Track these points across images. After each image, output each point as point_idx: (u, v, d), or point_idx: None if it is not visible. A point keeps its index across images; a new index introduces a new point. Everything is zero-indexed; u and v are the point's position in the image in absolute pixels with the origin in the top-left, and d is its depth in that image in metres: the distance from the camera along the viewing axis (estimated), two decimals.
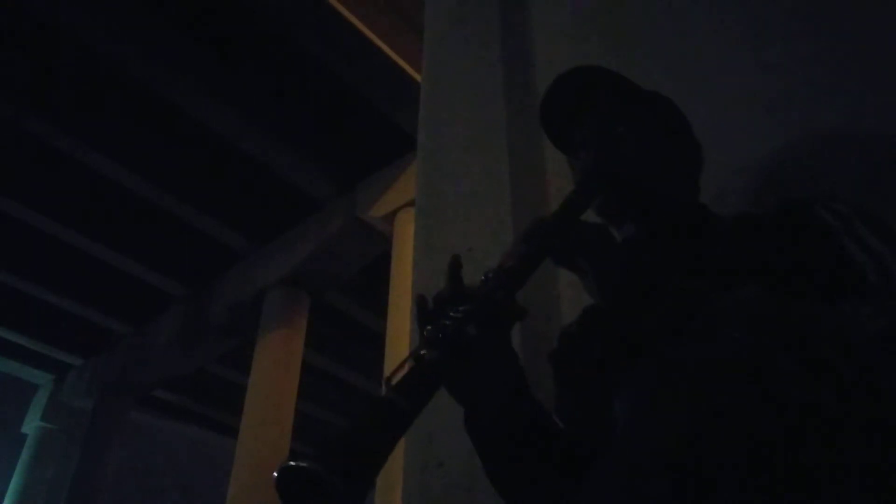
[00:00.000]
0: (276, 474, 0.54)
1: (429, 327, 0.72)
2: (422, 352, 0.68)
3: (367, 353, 9.36)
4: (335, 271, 8.09)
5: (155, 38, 6.35)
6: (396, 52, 6.47)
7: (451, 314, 0.71)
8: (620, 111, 0.95)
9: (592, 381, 0.82)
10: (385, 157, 7.31)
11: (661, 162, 0.93)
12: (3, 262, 8.73)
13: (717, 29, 1.37)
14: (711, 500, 0.60)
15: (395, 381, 0.65)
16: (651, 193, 0.91)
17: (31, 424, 10.91)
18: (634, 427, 0.71)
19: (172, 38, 6.39)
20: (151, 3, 6.14)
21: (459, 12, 1.95)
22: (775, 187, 1.13)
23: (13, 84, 6.58)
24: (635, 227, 0.92)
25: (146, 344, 9.72)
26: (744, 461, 0.60)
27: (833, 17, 1.22)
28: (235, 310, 8.54)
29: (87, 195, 7.89)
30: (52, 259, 8.77)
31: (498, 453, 0.83)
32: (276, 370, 7.47)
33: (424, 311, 0.75)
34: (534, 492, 0.82)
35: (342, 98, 6.76)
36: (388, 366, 6.19)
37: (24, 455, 10.57)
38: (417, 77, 5.41)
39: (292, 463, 0.53)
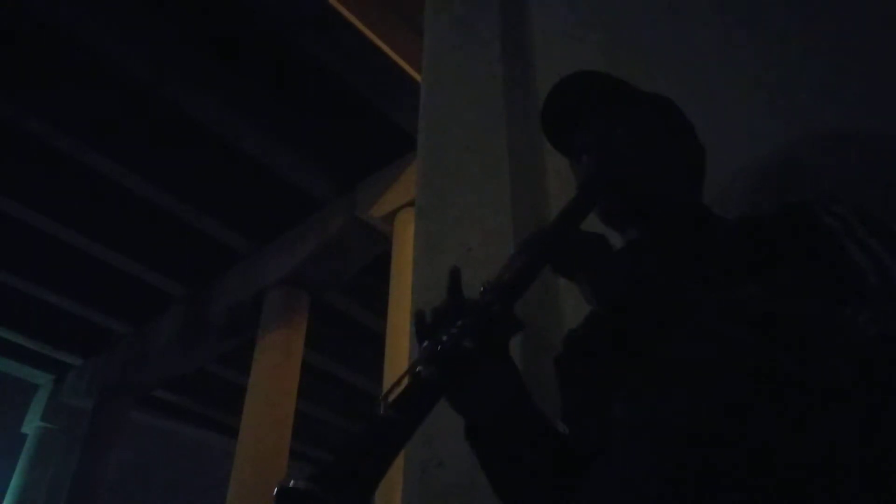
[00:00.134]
0: (274, 495, 0.55)
1: (425, 343, 0.72)
2: (418, 368, 0.69)
3: (367, 353, 9.35)
4: (335, 271, 8.10)
5: (155, 38, 6.35)
6: (396, 52, 6.47)
7: (449, 329, 0.72)
8: (621, 114, 0.94)
9: (596, 383, 0.82)
10: (385, 157, 7.31)
11: (663, 165, 0.93)
12: (3, 262, 8.73)
13: (716, 29, 1.37)
14: (711, 501, 0.60)
15: (391, 398, 0.66)
16: (653, 197, 0.91)
17: (31, 424, 10.92)
18: (634, 427, 0.71)
19: (172, 38, 6.40)
20: (151, 3, 6.14)
21: (459, 12, 1.95)
22: (776, 187, 1.13)
23: (13, 84, 6.58)
24: (638, 231, 0.92)
25: (146, 344, 9.72)
26: (744, 461, 0.60)
27: (833, 17, 1.22)
28: (235, 310, 8.55)
29: (87, 195, 7.90)
30: (52, 259, 8.77)
31: (499, 463, 0.83)
32: (276, 370, 7.47)
33: (422, 326, 0.75)
34: (536, 500, 0.82)
35: (342, 98, 6.76)
36: (388, 366, 6.20)
37: (24, 455, 10.57)
38: (417, 77, 5.41)
39: (290, 483, 0.54)
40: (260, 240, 8.45)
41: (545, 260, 0.78)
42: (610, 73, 0.99)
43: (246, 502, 6.52)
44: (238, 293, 8.57)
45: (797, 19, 1.26)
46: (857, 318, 0.62)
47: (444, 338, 0.71)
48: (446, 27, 1.96)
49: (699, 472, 0.62)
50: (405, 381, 0.68)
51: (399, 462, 1.30)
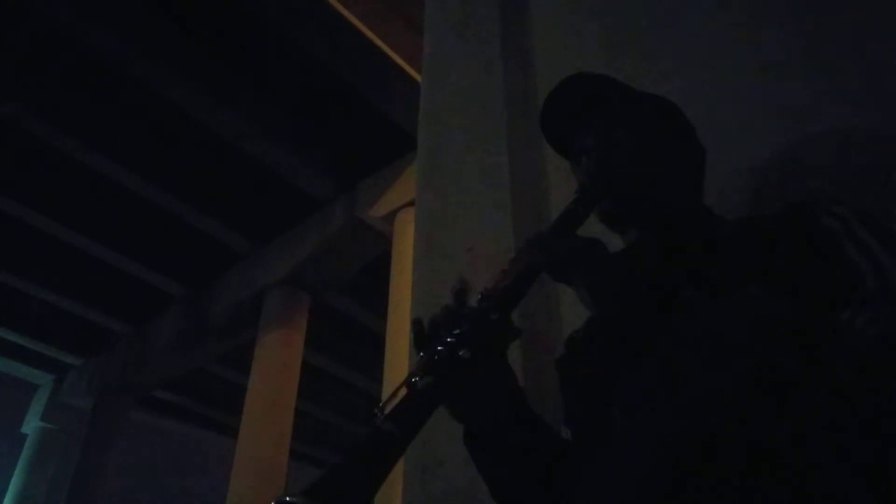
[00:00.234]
0: None
1: (422, 353, 0.72)
2: (414, 378, 0.69)
3: (367, 353, 9.36)
4: (335, 271, 8.10)
5: (155, 38, 6.35)
6: (396, 52, 6.47)
7: (445, 338, 0.72)
8: (621, 116, 0.94)
9: (597, 386, 0.82)
10: (385, 157, 7.31)
11: (663, 167, 0.93)
12: (3, 262, 8.74)
13: (717, 29, 1.36)
14: (711, 501, 0.60)
15: (388, 409, 0.66)
16: (653, 198, 0.91)
17: (31, 424, 10.92)
18: (635, 428, 0.71)
19: (173, 38, 6.40)
20: (151, 4, 6.15)
21: (459, 12, 1.95)
22: (776, 187, 1.13)
23: (13, 84, 6.58)
24: (638, 232, 0.92)
25: (146, 344, 9.72)
26: (744, 462, 0.60)
27: (833, 17, 1.22)
28: (235, 310, 8.55)
29: (87, 195, 7.90)
30: (52, 259, 8.78)
31: (497, 468, 0.83)
32: (276, 370, 7.47)
33: (420, 336, 0.76)
34: None
35: (342, 98, 6.76)
36: (388, 366, 6.20)
37: (24, 455, 10.58)
38: (417, 77, 5.41)
39: (287, 499, 0.54)
40: (260, 240, 8.45)
41: (541, 266, 0.78)
42: (610, 73, 0.99)
43: (246, 502, 6.52)
44: (238, 293, 8.57)
45: (797, 19, 1.26)
46: (856, 320, 0.62)
47: (441, 347, 0.71)
48: (446, 27, 1.96)
49: (699, 473, 0.62)
50: (401, 392, 0.68)
51: (399, 464, 1.30)
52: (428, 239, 1.61)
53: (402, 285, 6.38)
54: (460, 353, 0.70)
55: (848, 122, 1.11)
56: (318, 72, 6.52)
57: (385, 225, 7.22)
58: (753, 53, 1.28)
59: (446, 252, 1.53)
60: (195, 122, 7.00)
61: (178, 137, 7.27)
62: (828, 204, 0.75)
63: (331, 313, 9.20)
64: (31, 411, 11.12)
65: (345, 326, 9.83)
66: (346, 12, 6.14)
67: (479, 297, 0.76)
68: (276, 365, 7.51)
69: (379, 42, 6.39)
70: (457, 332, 0.72)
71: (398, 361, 5.99)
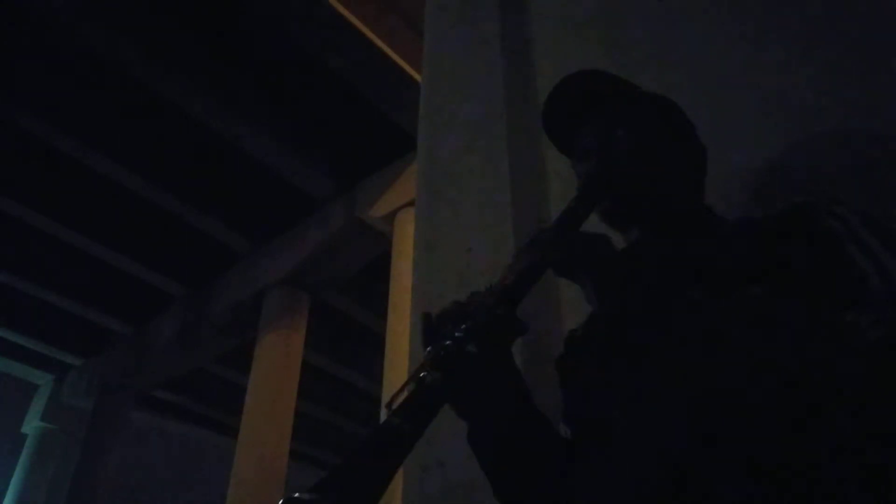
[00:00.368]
0: None
1: (429, 348, 0.73)
2: (422, 374, 0.69)
3: (367, 353, 9.36)
4: (335, 271, 8.10)
5: (155, 37, 6.35)
6: (396, 52, 6.47)
7: (453, 333, 0.72)
8: (623, 115, 0.94)
9: (597, 384, 0.82)
10: (385, 157, 7.31)
11: (664, 165, 0.93)
12: (3, 262, 8.73)
13: (717, 29, 1.36)
14: (711, 501, 0.60)
15: (395, 404, 0.66)
16: (654, 197, 0.91)
17: (31, 424, 10.91)
18: (635, 428, 0.71)
19: (173, 37, 6.40)
20: (152, 4, 6.15)
21: (460, 12, 1.95)
22: (776, 187, 1.13)
23: (13, 84, 6.58)
24: (639, 231, 0.92)
25: (146, 344, 9.72)
26: (744, 462, 0.60)
27: (832, 17, 1.22)
28: (235, 310, 8.55)
29: (87, 195, 7.90)
30: (52, 259, 8.78)
31: (500, 465, 0.84)
32: (276, 370, 7.47)
33: (429, 330, 0.76)
34: (536, 502, 0.82)
35: (342, 98, 6.76)
36: (388, 366, 6.20)
37: (24, 455, 10.57)
38: (417, 77, 5.41)
39: (295, 496, 0.54)
40: (260, 240, 8.45)
41: (547, 262, 0.78)
42: (610, 71, 0.99)
43: (246, 502, 6.52)
44: (238, 293, 8.57)
45: (796, 19, 1.26)
46: (858, 321, 0.62)
47: (448, 342, 0.71)
48: (446, 27, 1.96)
49: (699, 472, 0.62)
50: (409, 387, 0.69)
51: None
52: (428, 239, 1.61)
53: (401, 285, 6.38)
54: (468, 349, 0.70)
55: (848, 122, 1.11)
56: (318, 72, 6.52)
57: (385, 225, 7.22)
58: (753, 53, 1.28)
59: (446, 252, 1.53)
60: (195, 122, 7.00)
61: (178, 137, 7.27)
62: (828, 204, 0.75)
63: (331, 313, 9.20)
64: (31, 411, 11.11)
65: (345, 326, 9.83)
66: (346, 12, 6.13)
67: (485, 292, 0.76)
68: (276, 365, 7.51)
69: (379, 42, 6.38)
70: (464, 326, 0.72)
71: (398, 361, 5.99)
